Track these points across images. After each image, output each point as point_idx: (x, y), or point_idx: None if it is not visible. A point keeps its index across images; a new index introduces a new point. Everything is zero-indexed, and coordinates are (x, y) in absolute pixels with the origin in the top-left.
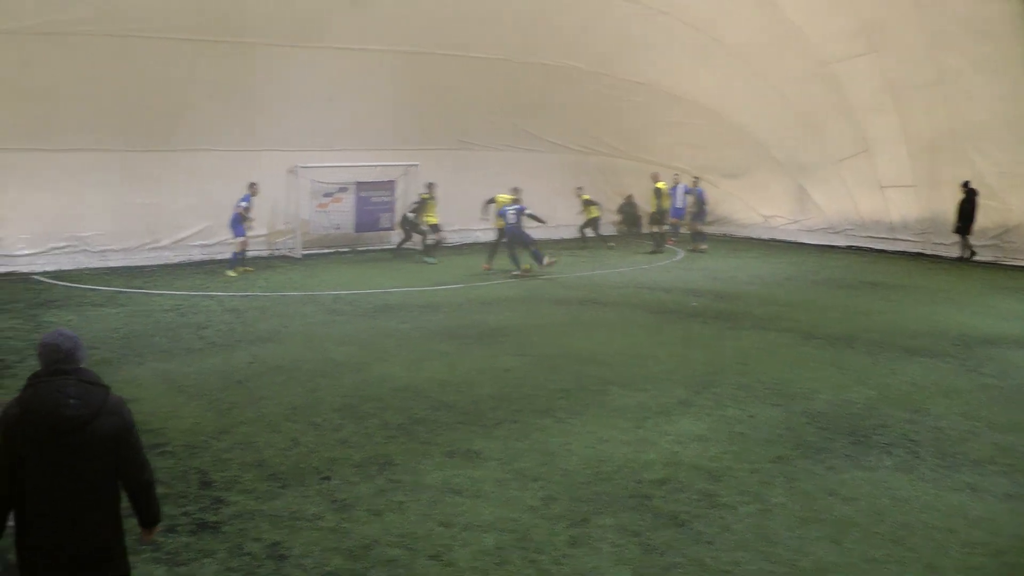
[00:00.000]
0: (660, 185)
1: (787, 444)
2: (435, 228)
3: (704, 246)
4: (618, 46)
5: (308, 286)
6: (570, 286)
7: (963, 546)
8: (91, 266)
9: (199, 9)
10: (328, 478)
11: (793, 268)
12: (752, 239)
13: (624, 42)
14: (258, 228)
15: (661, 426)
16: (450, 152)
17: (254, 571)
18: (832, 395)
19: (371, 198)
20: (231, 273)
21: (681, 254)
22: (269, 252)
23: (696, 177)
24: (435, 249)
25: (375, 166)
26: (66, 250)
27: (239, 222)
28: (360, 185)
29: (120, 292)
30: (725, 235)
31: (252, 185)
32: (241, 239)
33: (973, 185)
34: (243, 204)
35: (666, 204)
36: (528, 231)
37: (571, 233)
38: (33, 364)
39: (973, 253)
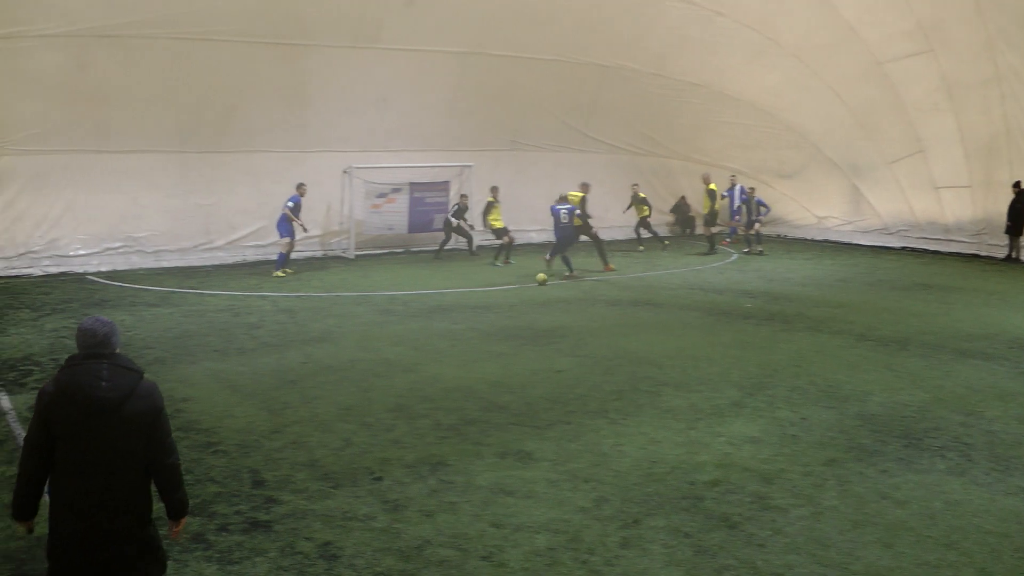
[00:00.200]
0: (712, 186)
1: (840, 447)
2: (501, 232)
3: (760, 247)
4: (673, 47)
5: (361, 286)
6: (623, 287)
7: (1016, 551)
8: (145, 266)
9: (255, 12)
10: (380, 478)
11: (847, 269)
12: (806, 240)
13: (679, 43)
14: (312, 229)
15: (714, 427)
16: (504, 153)
17: (305, 570)
18: (885, 397)
19: (425, 199)
20: (278, 274)
21: (735, 255)
22: (323, 253)
23: (751, 188)
24: (504, 252)
25: (429, 167)
26: (121, 251)
27: (285, 222)
28: (414, 186)
29: (174, 292)
30: (779, 236)
31: (300, 186)
32: (286, 240)
33: None
34: (289, 204)
35: (718, 205)
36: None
37: (625, 234)
38: None
39: (1012, 255)
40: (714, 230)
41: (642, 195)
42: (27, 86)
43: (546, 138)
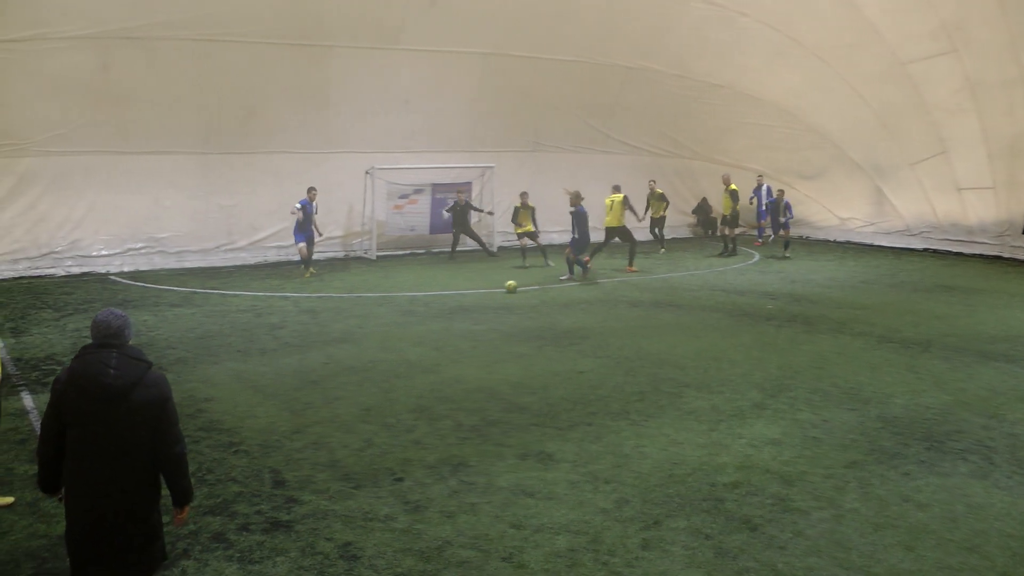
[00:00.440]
0: (733, 187)
1: (861, 449)
2: (531, 235)
3: (788, 253)
4: (696, 47)
5: (383, 287)
6: (645, 288)
7: None
8: (167, 267)
9: (277, 13)
10: (401, 479)
11: (869, 271)
12: (828, 241)
13: (702, 43)
14: (334, 229)
15: (735, 429)
16: (525, 154)
17: (326, 571)
18: (907, 400)
19: (447, 200)
20: (307, 274)
21: (757, 257)
22: (344, 253)
23: (780, 190)
24: (534, 253)
25: (451, 168)
26: (143, 251)
27: (297, 227)
28: (436, 187)
29: (196, 293)
30: (801, 237)
31: (310, 190)
32: (301, 246)
33: None
34: (296, 207)
35: (742, 206)
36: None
37: (648, 235)
38: None
39: None
40: (736, 231)
41: (659, 191)
42: (50, 87)
43: (568, 139)
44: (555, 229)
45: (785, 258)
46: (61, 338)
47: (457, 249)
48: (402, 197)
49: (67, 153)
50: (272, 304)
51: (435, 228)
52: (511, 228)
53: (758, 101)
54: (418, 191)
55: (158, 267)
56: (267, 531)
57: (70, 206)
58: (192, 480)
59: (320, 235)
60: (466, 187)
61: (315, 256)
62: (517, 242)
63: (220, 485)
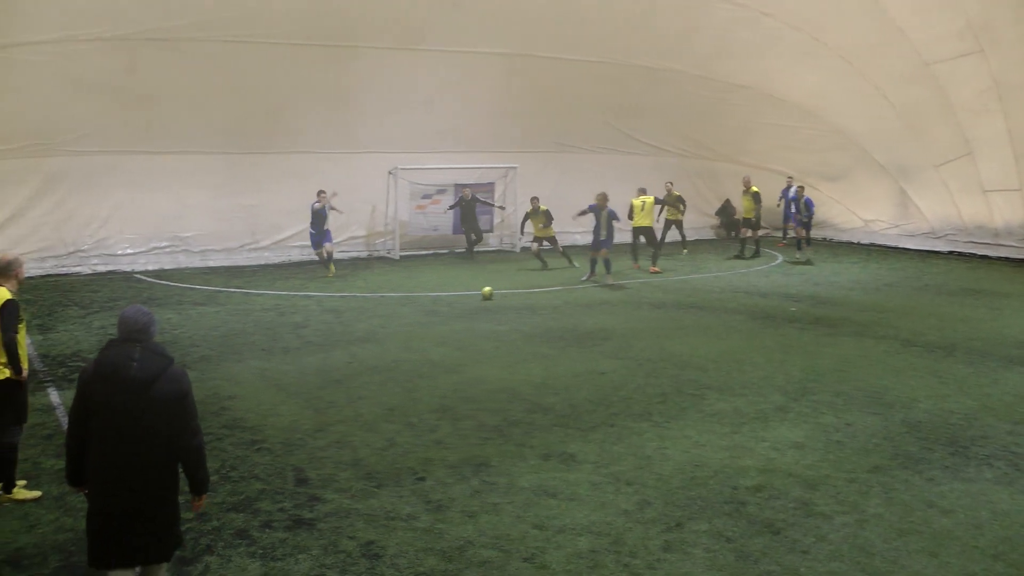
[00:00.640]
0: (754, 189)
1: (885, 453)
2: (550, 239)
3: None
4: (720, 48)
5: (406, 287)
6: (668, 290)
7: None
8: (192, 266)
9: (301, 15)
10: (423, 478)
11: (893, 274)
12: (852, 243)
13: (726, 44)
14: (356, 229)
15: (758, 432)
16: (549, 155)
17: (348, 569)
18: (931, 404)
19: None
20: (330, 272)
21: (780, 258)
22: (368, 253)
23: (800, 187)
24: (551, 255)
25: (474, 168)
26: (168, 250)
27: (311, 232)
28: (459, 187)
29: (220, 291)
30: (825, 239)
31: (320, 193)
32: (318, 251)
33: None
34: (316, 206)
35: (760, 208)
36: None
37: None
38: None
39: None
40: (760, 233)
41: (676, 194)
42: (78, 88)
43: (591, 140)
44: (578, 230)
45: (797, 261)
46: (87, 335)
47: (475, 249)
48: (425, 197)
49: (93, 153)
50: (295, 303)
51: (457, 228)
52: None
53: (782, 102)
54: (441, 191)
55: (182, 266)
56: (290, 528)
57: (96, 205)
58: (215, 477)
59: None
60: (489, 187)
61: (339, 255)
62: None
63: (243, 482)
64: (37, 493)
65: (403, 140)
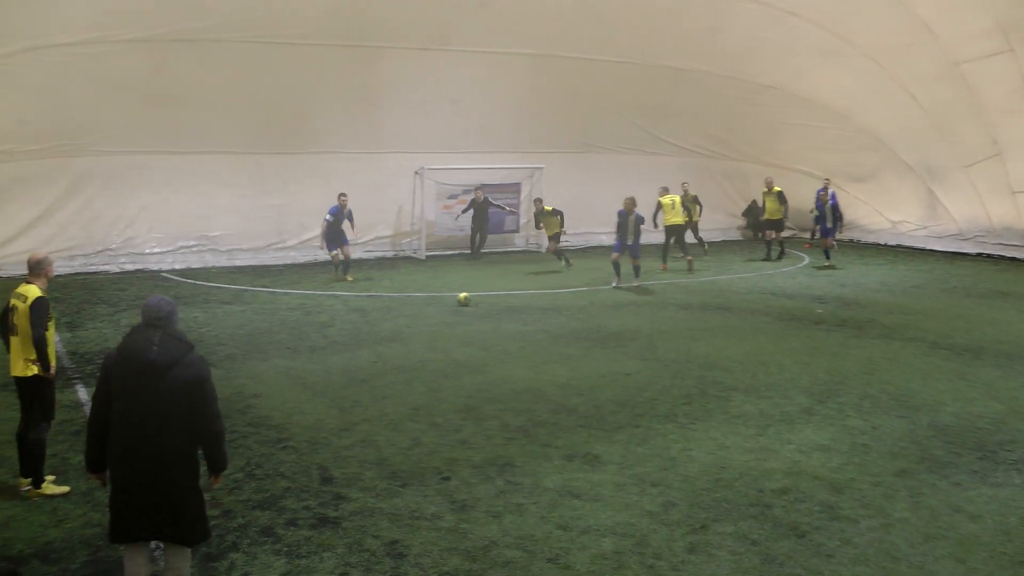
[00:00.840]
0: (777, 189)
1: (911, 457)
2: (554, 239)
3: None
4: (746, 48)
5: (432, 287)
6: (694, 291)
7: None
8: (218, 265)
9: (328, 15)
10: (448, 478)
11: (921, 275)
12: (879, 245)
13: (752, 44)
14: (383, 229)
15: (783, 434)
16: (574, 155)
17: (372, 568)
18: (959, 408)
19: (495, 200)
20: (348, 278)
21: (807, 260)
22: (394, 253)
23: (825, 190)
24: (561, 257)
25: (500, 168)
26: (195, 249)
27: (327, 237)
28: (485, 187)
29: (246, 290)
30: (852, 240)
31: (341, 196)
32: (333, 253)
33: None
34: (328, 218)
35: (784, 208)
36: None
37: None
38: None
39: None
40: (784, 234)
41: (692, 194)
42: (106, 89)
43: (617, 140)
44: (604, 231)
45: (825, 267)
46: (115, 333)
47: (482, 250)
48: (451, 197)
49: (122, 153)
50: (321, 303)
51: (496, 228)
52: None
53: (809, 102)
54: (467, 191)
55: (209, 265)
56: (314, 527)
57: (124, 204)
58: (240, 475)
59: (356, 235)
60: (515, 187)
61: (365, 255)
62: (569, 245)
63: (268, 480)
64: (65, 488)
65: (429, 140)
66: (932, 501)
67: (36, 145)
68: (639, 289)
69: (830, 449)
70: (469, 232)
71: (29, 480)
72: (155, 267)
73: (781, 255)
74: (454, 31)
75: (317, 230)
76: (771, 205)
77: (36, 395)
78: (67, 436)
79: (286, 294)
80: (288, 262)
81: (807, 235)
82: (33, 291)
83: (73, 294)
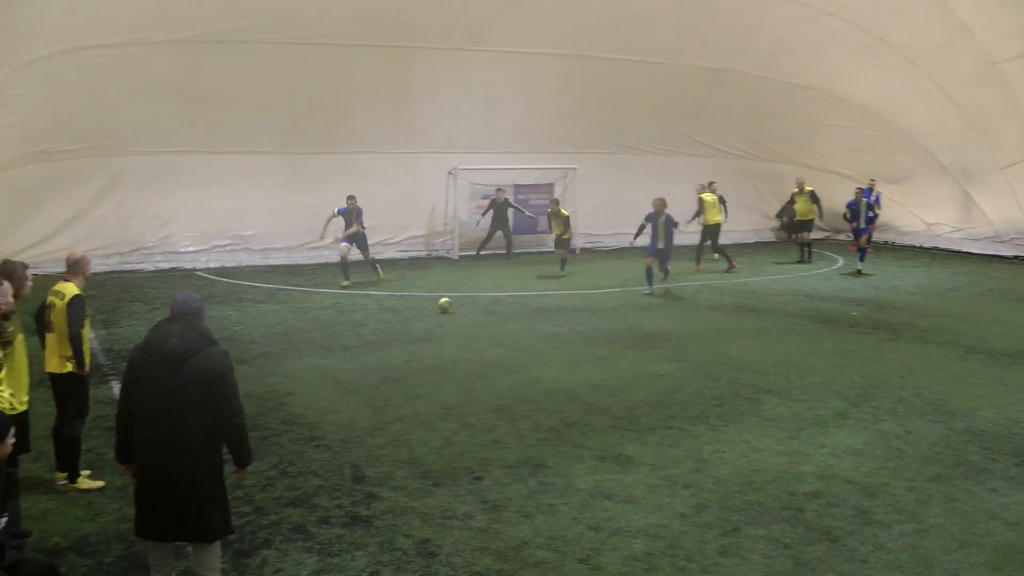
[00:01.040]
0: (809, 189)
1: (946, 462)
2: (561, 241)
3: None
4: (782, 48)
5: (465, 287)
6: (727, 292)
7: None
8: (252, 264)
9: (363, 16)
10: (480, 478)
11: (957, 278)
12: (914, 247)
13: (788, 44)
14: (416, 229)
15: (816, 438)
16: (608, 156)
17: (403, 567)
18: (995, 413)
19: (529, 200)
20: (344, 283)
21: (841, 262)
22: (427, 253)
23: (860, 188)
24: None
25: (533, 168)
26: (229, 248)
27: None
28: (518, 188)
29: (280, 289)
30: (887, 242)
31: (349, 198)
32: (343, 244)
33: None
34: (334, 212)
35: (817, 207)
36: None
37: (735, 238)
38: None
39: None
40: (815, 236)
41: (718, 194)
42: (143, 90)
43: (651, 141)
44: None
45: (859, 272)
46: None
47: (484, 251)
48: (485, 197)
49: (157, 153)
50: (355, 302)
51: (518, 228)
52: (593, 230)
53: (844, 102)
54: (500, 191)
55: (243, 264)
56: (347, 525)
57: (159, 204)
58: (274, 472)
59: (363, 228)
60: (548, 188)
61: (399, 255)
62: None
63: (301, 478)
64: (101, 483)
65: (463, 140)
66: (967, 507)
67: (73, 145)
68: (672, 290)
69: (864, 453)
70: (486, 234)
71: (65, 475)
72: (189, 266)
73: (808, 256)
74: (488, 32)
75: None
76: (803, 206)
77: (71, 392)
78: (102, 432)
79: (319, 293)
80: (321, 261)
81: (841, 237)
82: (71, 289)
83: (108, 292)
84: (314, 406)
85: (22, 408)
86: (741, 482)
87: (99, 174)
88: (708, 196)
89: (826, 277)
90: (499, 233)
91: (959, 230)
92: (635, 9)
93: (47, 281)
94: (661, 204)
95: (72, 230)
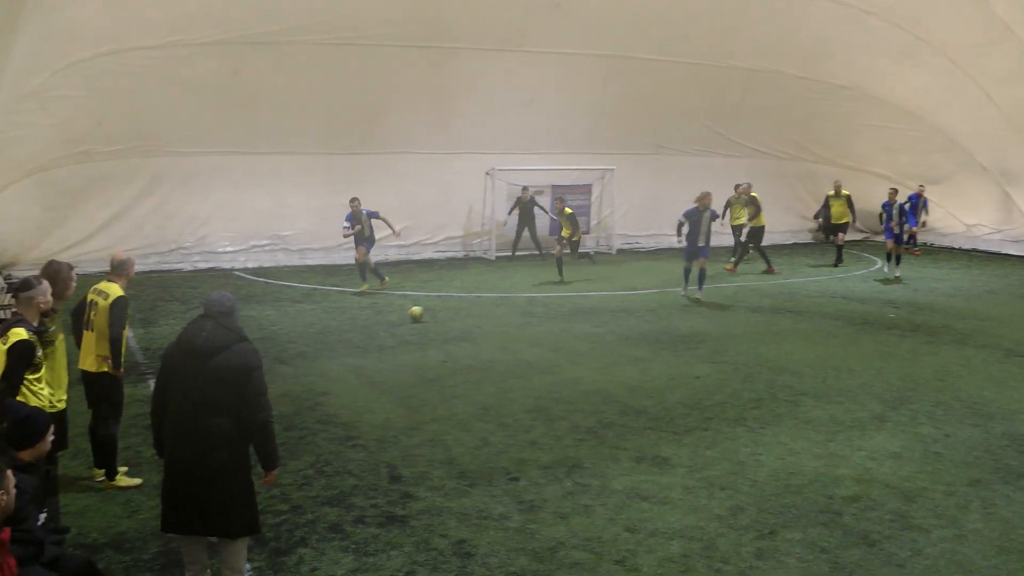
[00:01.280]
0: (846, 192)
1: (985, 467)
2: (563, 241)
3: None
4: (820, 48)
5: (501, 287)
6: (764, 294)
7: None
8: (290, 264)
9: (401, 16)
10: (516, 478)
11: (996, 280)
12: (953, 249)
13: (826, 44)
14: (453, 230)
15: (854, 441)
16: (646, 157)
17: (439, 567)
18: None
19: (567, 201)
20: (364, 286)
21: (879, 263)
22: (464, 253)
23: (894, 189)
24: (581, 261)
25: (571, 170)
26: (267, 248)
27: (356, 238)
28: (556, 188)
29: (317, 289)
30: (925, 244)
31: (352, 201)
32: (359, 247)
33: None
34: (345, 225)
35: (853, 212)
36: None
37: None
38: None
39: None
40: (841, 239)
41: (754, 194)
42: (183, 91)
43: (690, 142)
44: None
45: (888, 279)
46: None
47: (518, 252)
48: (511, 197)
49: (197, 153)
50: (391, 302)
51: (554, 229)
52: (631, 231)
53: (883, 103)
54: (537, 192)
55: (281, 264)
56: (382, 525)
57: (198, 204)
58: (310, 471)
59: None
60: (586, 188)
61: (436, 255)
62: (640, 247)
63: (337, 477)
64: (138, 480)
65: (501, 141)
66: (1006, 512)
67: (114, 146)
68: (709, 292)
69: (902, 457)
70: (540, 233)
71: (103, 472)
72: (227, 265)
73: (839, 260)
74: (527, 32)
75: (388, 230)
76: (838, 209)
77: (105, 391)
78: (140, 430)
79: (356, 293)
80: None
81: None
82: (115, 290)
83: (147, 291)
84: (350, 406)
85: (61, 407)
86: (778, 485)
87: (139, 174)
88: (757, 196)
89: (864, 279)
90: (526, 233)
91: (998, 232)
92: (674, 10)
93: (86, 280)
94: (708, 198)
95: (112, 230)
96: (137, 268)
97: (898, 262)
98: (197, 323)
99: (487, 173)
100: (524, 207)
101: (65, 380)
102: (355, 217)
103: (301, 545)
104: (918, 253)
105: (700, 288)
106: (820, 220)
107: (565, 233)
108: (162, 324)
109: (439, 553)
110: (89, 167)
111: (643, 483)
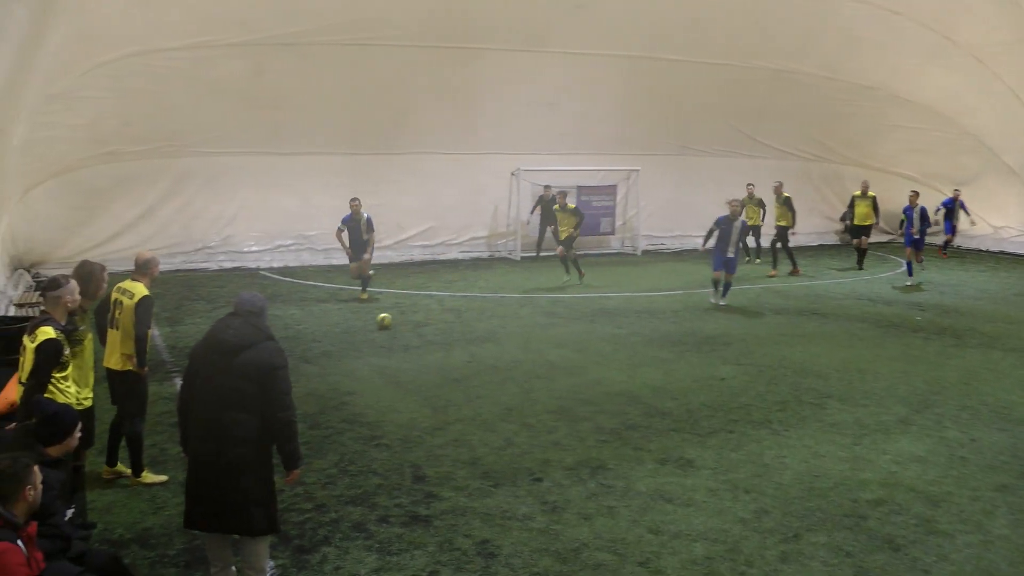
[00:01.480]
0: (872, 194)
1: (1012, 472)
2: (565, 242)
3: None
4: (846, 48)
5: (526, 288)
6: (789, 296)
7: None
8: (315, 264)
9: (425, 17)
10: (540, 479)
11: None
12: (980, 251)
13: (852, 44)
14: (478, 230)
15: (879, 444)
16: (671, 157)
17: (463, 567)
18: None
19: (592, 202)
20: (363, 295)
21: (904, 266)
22: (489, 254)
23: (914, 192)
24: (568, 265)
25: (596, 170)
26: (292, 248)
27: (351, 246)
28: (581, 189)
29: (342, 289)
30: (952, 246)
31: (352, 201)
32: (352, 265)
33: None
34: (339, 227)
35: (877, 214)
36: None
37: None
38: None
39: None
40: (864, 242)
41: (758, 196)
42: (208, 92)
43: (715, 143)
44: (699, 234)
45: (908, 287)
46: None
47: (543, 252)
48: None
49: (222, 154)
50: (416, 302)
51: (584, 230)
52: (656, 232)
53: (910, 103)
54: (561, 192)
55: (306, 263)
56: (406, 524)
57: (224, 204)
58: (334, 470)
59: (346, 250)
60: (611, 189)
61: (461, 256)
62: (665, 248)
63: (362, 477)
64: (164, 477)
65: (526, 141)
66: None
67: (140, 146)
68: (733, 292)
69: (927, 461)
70: (538, 232)
71: (130, 469)
72: (253, 265)
73: (861, 262)
74: (552, 33)
75: (413, 230)
76: (863, 209)
77: (129, 389)
78: (165, 427)
79: (381, 293)
80: (384, 261)
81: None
82: (140, 289)
83: (173, 290)
84: (375, 405)
85: (87, 404)
86: (803, 488)
87: (165, 175)
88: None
89: (890, 281)
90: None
91: None
92: (700, 10)
93: (113, 279)
94: (739, 207)
95: (138, 229)
96: (163, 267)
97: (910, 272)
98: (225, 320)
99: (512, 174)
100: (546, 206)
101: (91, 378)
102: (354, 218)
103: (325, 544)
104: (945, 256)
105: (724, 295)
106: (847, 222)
107: (564, 227)
108: (188, 323)
109: (463, 553)
110: (116, 167)
111: (667, 485)
